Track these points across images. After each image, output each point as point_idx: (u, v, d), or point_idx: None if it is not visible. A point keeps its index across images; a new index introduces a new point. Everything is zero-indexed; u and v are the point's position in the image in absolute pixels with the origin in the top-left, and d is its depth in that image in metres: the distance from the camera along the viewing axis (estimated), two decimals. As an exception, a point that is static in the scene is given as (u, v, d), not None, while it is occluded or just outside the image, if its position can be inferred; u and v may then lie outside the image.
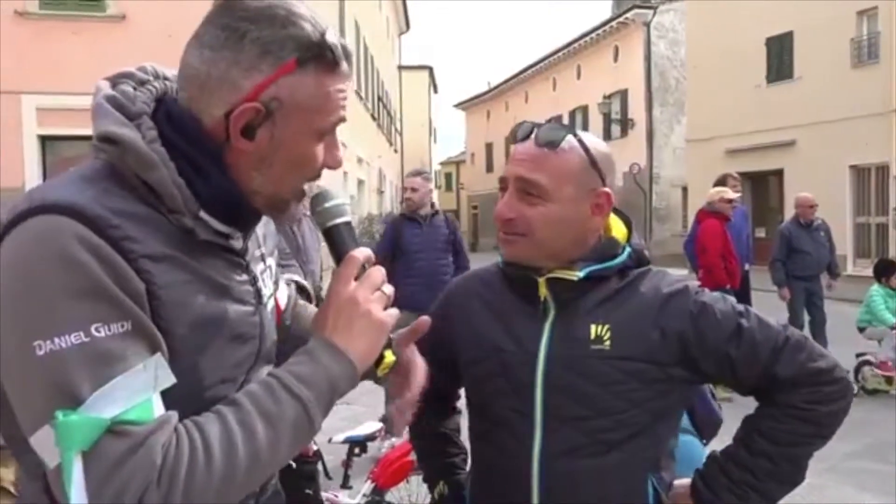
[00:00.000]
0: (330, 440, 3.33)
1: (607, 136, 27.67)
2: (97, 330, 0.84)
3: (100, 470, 0.82)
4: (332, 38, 1.01)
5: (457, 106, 48.93)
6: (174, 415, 0.90)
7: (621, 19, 26.70)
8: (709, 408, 1.85)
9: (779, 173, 19.61)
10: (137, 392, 0.86)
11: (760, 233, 18.66)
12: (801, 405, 1.37)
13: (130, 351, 0.86)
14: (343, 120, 1.07)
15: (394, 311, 1.08)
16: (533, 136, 1.41)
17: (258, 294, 1.12)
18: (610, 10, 30.20)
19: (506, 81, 38.84)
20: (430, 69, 44.32)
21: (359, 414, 5.17)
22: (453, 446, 1.71)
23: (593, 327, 1.39)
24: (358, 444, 3.25)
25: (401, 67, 35.26)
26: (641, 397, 1.37)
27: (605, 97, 26.81)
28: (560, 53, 31.76)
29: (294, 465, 2.82)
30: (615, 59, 27.81)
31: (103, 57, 8.52)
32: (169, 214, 0.97)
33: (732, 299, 1.47)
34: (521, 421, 1.41)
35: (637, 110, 26.41)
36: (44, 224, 0.86)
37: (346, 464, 3.30)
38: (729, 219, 6.68)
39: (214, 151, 1.00)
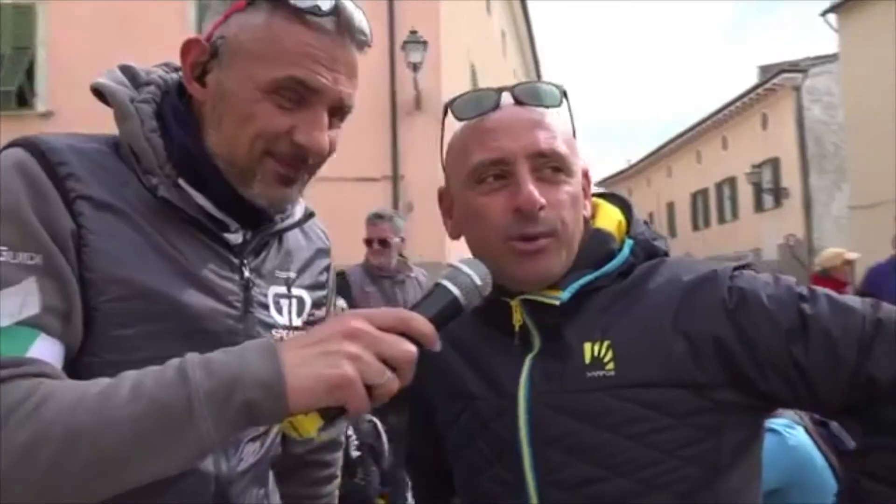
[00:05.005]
0: None
1: (759, 206, 26.28)
2: None
3: None
4: None
5: (598, 184, 48.32)
6: (42, 364, 0.80)
7: (768, 85, 25.42)
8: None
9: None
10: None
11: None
12: None
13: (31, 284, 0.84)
14: (309, 84, 0.94)
15: (363, 406, 0.78)
16: (510, 99, 1.06)
17: (247, 301, 1.02)
18: (756, 77, 28.98)
19: (647, 157, 37.61)
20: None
21: None
22: None
23: (588, 347, 1.01)
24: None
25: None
26: (677, 440, 0.97)
27: (754, 167, 25.40)
28: (704, 125, 30.68)
29: None
30: (764, 127, 26.43)
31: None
32: (142, 175, 0.95)
33: (790, 279, 1.02)
34: (510, 495, 1.03)
35: (791, 179, 24.66)
36: (5, 154, 0.90)
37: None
38: (845, 283, 5.81)
39: (177, 103, 1.00)
